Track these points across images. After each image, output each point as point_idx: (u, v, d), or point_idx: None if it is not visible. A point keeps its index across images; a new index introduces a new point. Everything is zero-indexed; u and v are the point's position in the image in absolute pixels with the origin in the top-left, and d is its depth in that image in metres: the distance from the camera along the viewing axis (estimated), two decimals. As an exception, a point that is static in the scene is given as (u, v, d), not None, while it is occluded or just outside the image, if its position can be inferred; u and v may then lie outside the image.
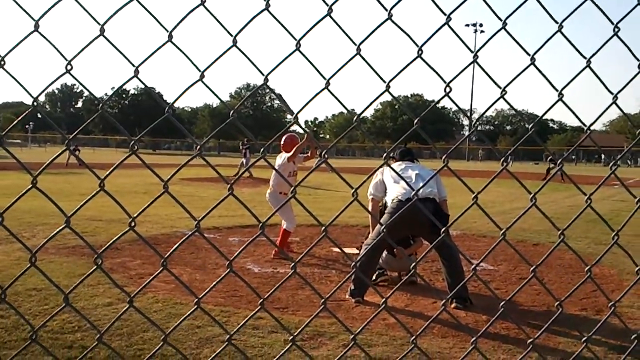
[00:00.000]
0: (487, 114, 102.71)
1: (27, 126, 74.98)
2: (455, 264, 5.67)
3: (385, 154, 1.54)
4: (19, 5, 1.31)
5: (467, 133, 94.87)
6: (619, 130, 77.37)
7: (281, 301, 5.51)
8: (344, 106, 1.46)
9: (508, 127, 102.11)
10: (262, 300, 1.38)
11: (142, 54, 1.34)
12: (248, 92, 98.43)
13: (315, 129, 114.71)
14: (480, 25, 79.83)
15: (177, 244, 1.48)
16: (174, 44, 1.29)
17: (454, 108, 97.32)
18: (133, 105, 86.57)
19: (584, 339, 1.76)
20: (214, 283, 1.54)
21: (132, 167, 20.14)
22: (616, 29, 1.43)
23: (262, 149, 1.37)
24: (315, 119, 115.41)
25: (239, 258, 7.26)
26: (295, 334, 1.47)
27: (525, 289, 6.09)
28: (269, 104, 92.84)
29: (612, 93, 1.48)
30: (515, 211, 12.40)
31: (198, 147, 1.35)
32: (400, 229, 5.80)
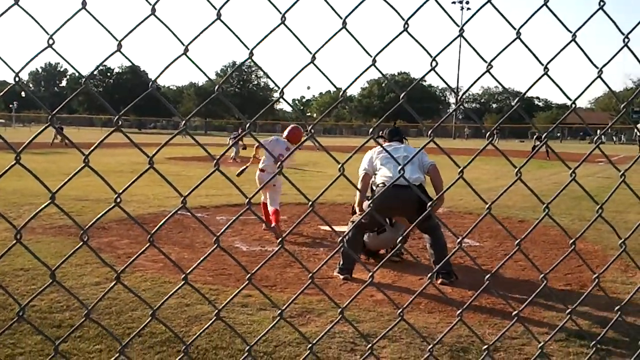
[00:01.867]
0: (473, 91, 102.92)
1: (10, 105, 73.99)
2: (439, 239, 5.74)
3: (371, 131, 1.54)
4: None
5: (452, 110, 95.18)
6: (604, 108, 77.79)
7: (269, 279, 5.54)
8: (330, 81, 1.45)
9: (494, 105, 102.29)
10: (249, 275, 1.39)
11: (127, 30, 1.32)
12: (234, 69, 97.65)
13: (302, 107, 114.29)
14: (467, 2, 79.68)
15: (164, 220, 1.47)
16: (157, 17, 1.27)
17: (441, 86, 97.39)
18: (118, 84, 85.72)
19: (567, 311, 1.79)
20: (201, 258, 1.55)
21: (117, 146, 20.00)
22: (602, 3, 1.43)
23: (247, 125, 1.36)
24: (302, 97, 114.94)
25: (226, 236, 7.27)
26: (283, 308, 1.48)
27: (510, 265, 6.17)
28: (255, 82, 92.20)
29: (597, 67, 1.49)
30: (501, 188, 12.34)
31: (183, 122, 1.34)
32: (386, 211, 5.89)
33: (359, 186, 6.06)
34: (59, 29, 1.23)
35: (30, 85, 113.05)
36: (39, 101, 1.59)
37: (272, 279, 5.55)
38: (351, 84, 1.41)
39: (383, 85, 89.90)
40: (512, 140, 64.61)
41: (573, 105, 1.52)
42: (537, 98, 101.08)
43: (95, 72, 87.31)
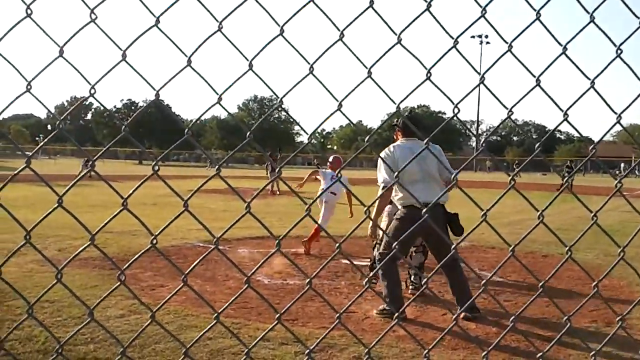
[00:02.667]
0: (494, 123, 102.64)
1: (37, 138, 75.67)
2: (459, 276, 5.61)
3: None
4: (44, 32, 1.37)
5: (474, 144, 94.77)
6: (626, 141, 76.93)
7: (291, 313, 5.54)
8: (353, 124, 1.51)
9: (515, 138, 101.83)
10: (279, 315, 1.42)
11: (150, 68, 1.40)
12: (255, 104, 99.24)
13: (322, 140, 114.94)
14: (486, 36, 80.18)
15: (197, 262, 1.53)
16: (193, 69, 1.35)
17: (462, 118, 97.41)
18: (142, 117, 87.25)
19: (592, 353, 1.79)
20: (232, 299, 1.59)
21: (139, 178, 20.11)
22: (619, 51, 1.47)
23: (278, 168, 1.42)
24: (323, 130, 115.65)
25: (248, 269, 7.30)
26: (311, 347, 1.51)
27: (535, 301, 6.09)
28: (277, 115, 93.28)
29: (616, 113, 1.52)
30: (523, 222, 12.37)
31: (217, 167, 1.40)
32: (414, 238, 5.71)
33: (378, 203, 5.62)
34: (101, 78, 1.31)
35: (57, 118, 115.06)
36: (78, 145, 1.67)
37: (294, 313, 5.55)
38: (372, 134, 1.46)
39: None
40: (534, 174, 64.06)
41: (593, 151, 1.55)
42: (559, 131, 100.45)
43: (120, 107, 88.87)
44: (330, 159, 10.60)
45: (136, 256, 1.44)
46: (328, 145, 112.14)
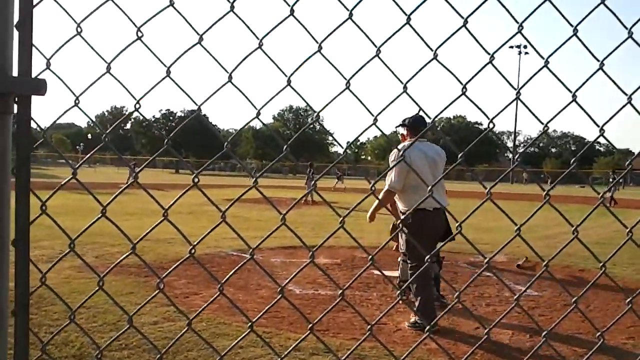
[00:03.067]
0: (531, 134, 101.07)
1: (77, 147, 77.67)
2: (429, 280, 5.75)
3: (401, 151, 1.59)
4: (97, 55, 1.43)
5: (510, 155, 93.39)
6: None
7: (322, 323, 5.55)
8: (386, 136, 1.53)
9: (553, 150, 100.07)
10: (311, 325, 1.44)
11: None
12: (291, 114, 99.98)
13: (357, 150, 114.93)
14: (525, 47, 79.22)
15: (233, 271, 1.56)
16: (234, 84, 1.39)
17: (497, 129, 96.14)
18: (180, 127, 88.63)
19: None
20: (266, 308, 1.62)
21: (175, 188, 20.55)
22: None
23: (314, 180, 1.45)
24: (357, 140, 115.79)
25: (280, 279, 7.35)
26: (343, 358, 1.52)
27: (570, 316, 5.97)
28: (312, 126, 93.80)
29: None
30: (560, 236, 12.14)
31: (254, 179, 1.44)
32: (431, 240, 5.61)
33: (381, 202, 5.62)
34: (145, 94, 1.36)
35: (97, 127, 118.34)
36: (122, 157, 1.73)
37: (325, 324, 5.56)
38: (406, 148, 1.47)
39: (438, 129, 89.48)
40: (572, 186, 62.79)
41: (630, 166, 1.53)
42: (598, 143, 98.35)
43: (159, 117, 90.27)
44: None
45: (175, 265, 1.48)
46: (362, 156, 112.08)
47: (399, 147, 5.08)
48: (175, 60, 1.37)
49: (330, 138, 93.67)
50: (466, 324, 5.78)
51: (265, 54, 1.38)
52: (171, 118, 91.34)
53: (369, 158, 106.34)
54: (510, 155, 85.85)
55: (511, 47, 78.28)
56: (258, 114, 1.37)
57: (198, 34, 1.34)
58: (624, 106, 1.43)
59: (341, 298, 1.51)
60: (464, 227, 1.47)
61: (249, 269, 7.87)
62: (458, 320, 5.91)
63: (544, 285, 7.62)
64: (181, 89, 1.46)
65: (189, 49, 1.36)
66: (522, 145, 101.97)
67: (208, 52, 1.36)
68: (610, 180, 31.35)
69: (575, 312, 6.04)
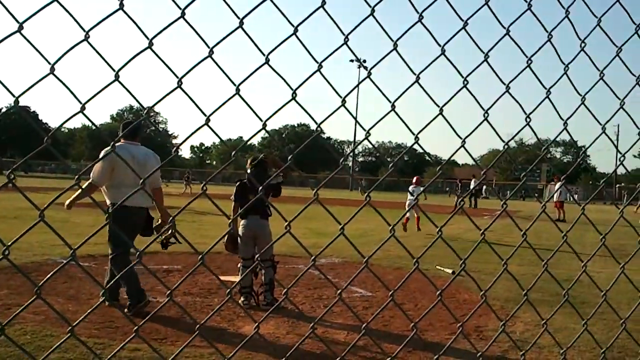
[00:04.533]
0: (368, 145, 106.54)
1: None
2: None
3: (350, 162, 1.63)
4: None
5: (350, 163, 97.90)
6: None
7: (159, 332, 5.38)
8: (223, 142, 1.53)
9: (389, 159, 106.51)
10: (136, 327, 1.40)
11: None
12: (131, 114, 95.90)
13: (201, 154, 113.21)
14: (364, 61, 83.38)
15: (52, 273, 1.46)
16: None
17: (339, 138, 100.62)
18: (4, 124, 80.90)
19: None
20: (88, 311, 1.54)
21: (-1, 190, 18.46)
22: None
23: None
24: (202, 144, 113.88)
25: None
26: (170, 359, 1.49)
27: (401, 314, 6.40)
28: (153, 128, 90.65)
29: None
30: (392, 239, 12.91)
31: (78, 181, 1.36)
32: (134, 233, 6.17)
33: (83, 192, 5.85)
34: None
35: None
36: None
37: (163, 332, 5.39)
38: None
39: (283, 135, 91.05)
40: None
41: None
42: (429, 154, 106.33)
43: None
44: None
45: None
46: (207, 161, 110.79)
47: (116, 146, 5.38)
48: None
49: (173, 141, 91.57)
50: (305, 325, 5.93)
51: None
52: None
53: (214, 162, 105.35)
54: (350, 164, 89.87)
55: (351, 60, 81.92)
56: (83, 109, 1.30)
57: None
58: (435, 117, 1.58)
59: (169, 299, 1.49)
60: (305, 230, 1.52)
61: (80, 277, 7.40)
62: (298, 320, 6.07)
63: (377, 286, 8.07)
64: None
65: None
66: (360, 154, 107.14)
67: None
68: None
69: (407, 311, 6.48)
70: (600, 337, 5.61)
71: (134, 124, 6.61)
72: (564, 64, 2.23)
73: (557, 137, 2.61)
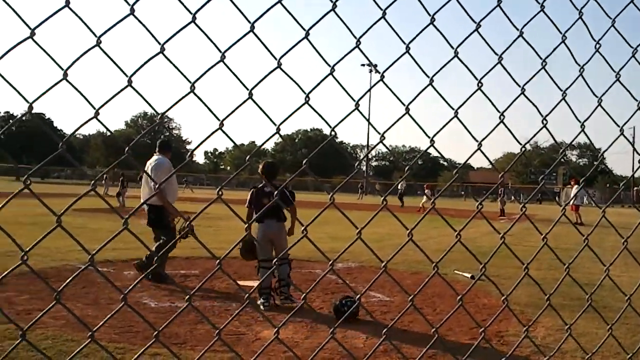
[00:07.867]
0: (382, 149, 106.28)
1: None
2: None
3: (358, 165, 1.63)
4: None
5: (364, 167, 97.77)
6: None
7: (179, 336, 5.40)
8: (237, 146, 1.54)
9: (404, 163, 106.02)
10: (156, 332, 1.40)
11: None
12: (145, 121, 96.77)
13: (215, 160, 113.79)
14: (376, 65, 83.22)
15: (70, 278, 1.47)
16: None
17: (352, 142, 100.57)
18: (20, 131, 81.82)
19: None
20: (108, 316, 1.55)
21: (16, 196, 18.64)
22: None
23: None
24: (215, 149, 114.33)
25: (134, 292, 7.04)
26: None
27: (419, 319, 6.36)
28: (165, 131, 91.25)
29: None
30: (410, 244, 12.85)
31: (93, 181, 1.37)
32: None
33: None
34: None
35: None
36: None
37: (182, 336, 5.41)
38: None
39: (296, 141, 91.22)
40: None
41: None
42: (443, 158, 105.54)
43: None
44: None
45: (2, 275, 1.37)
46: (221, 166, 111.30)
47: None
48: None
49: (187, 146, 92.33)
50: (324, 330, 5.91)
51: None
52: (10, 121, 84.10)
53: (229, 168, 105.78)
54: (364, 168, 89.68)
55: (362, 65, 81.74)
56: (97, 114, 1.31)
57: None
58: (450, 120, 1.57)
59: (188, 304, 1.49)
60: (321, 235, 1.51)
61: (99, 282, 7.45)
62: (316, 324, 6.05)
63: (394, 290, 8.02)
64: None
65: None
66: (374, 158, 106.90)
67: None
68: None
69: (426, 315, 6.43)
70: (624, 341, 5.53)
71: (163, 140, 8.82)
72: (579, 65, 2.20)
73: (574, 139, 2.58)
